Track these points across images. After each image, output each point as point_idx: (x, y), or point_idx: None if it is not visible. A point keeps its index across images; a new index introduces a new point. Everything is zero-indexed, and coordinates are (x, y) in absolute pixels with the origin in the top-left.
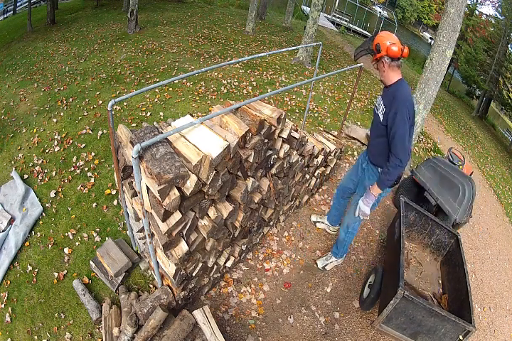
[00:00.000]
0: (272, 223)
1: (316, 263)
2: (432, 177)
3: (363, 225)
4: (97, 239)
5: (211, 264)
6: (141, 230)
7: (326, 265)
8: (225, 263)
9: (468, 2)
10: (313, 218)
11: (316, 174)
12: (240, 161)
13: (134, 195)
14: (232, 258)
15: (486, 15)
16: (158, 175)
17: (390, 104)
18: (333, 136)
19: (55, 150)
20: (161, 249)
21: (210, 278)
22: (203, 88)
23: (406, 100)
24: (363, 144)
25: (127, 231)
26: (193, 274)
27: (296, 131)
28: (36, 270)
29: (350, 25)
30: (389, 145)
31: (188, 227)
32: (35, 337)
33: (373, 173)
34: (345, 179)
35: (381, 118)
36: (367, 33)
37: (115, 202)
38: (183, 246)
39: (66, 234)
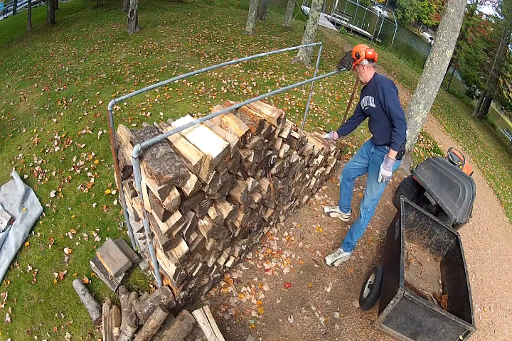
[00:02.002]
0: (272, 223)
1: (325, 260)
2: (432, 177)
3: None
4: (97, 239)
5: (211, 264)
6: (141, 230)
7: (334, 261)
8: (225, 263)
9: (468, 2)
10: (326, 209)
11: (316, 174)
12: (240, 161)
13: (134, 195)
14: (232, 258)
15: (486, 15)
16: (158, 175)
17: (374, 90)
18: None
19: (55, 150)
20: (161, 249)
21: (210, 278)
22: (203, 88)
23: (384, 78)
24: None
25: (127, 231)
26: (193, 274)
27: (296, 131)
28: (36, 270)
29: (350, 25)
30: (389, 118)
31: (188, 227)
32: (35, 337)
33: (382, 152)
34: (349, 163)
35: (374, 106)
36: (367, 33)
37: (115, 202)
38: (183, 246)
39: (66, 234)
